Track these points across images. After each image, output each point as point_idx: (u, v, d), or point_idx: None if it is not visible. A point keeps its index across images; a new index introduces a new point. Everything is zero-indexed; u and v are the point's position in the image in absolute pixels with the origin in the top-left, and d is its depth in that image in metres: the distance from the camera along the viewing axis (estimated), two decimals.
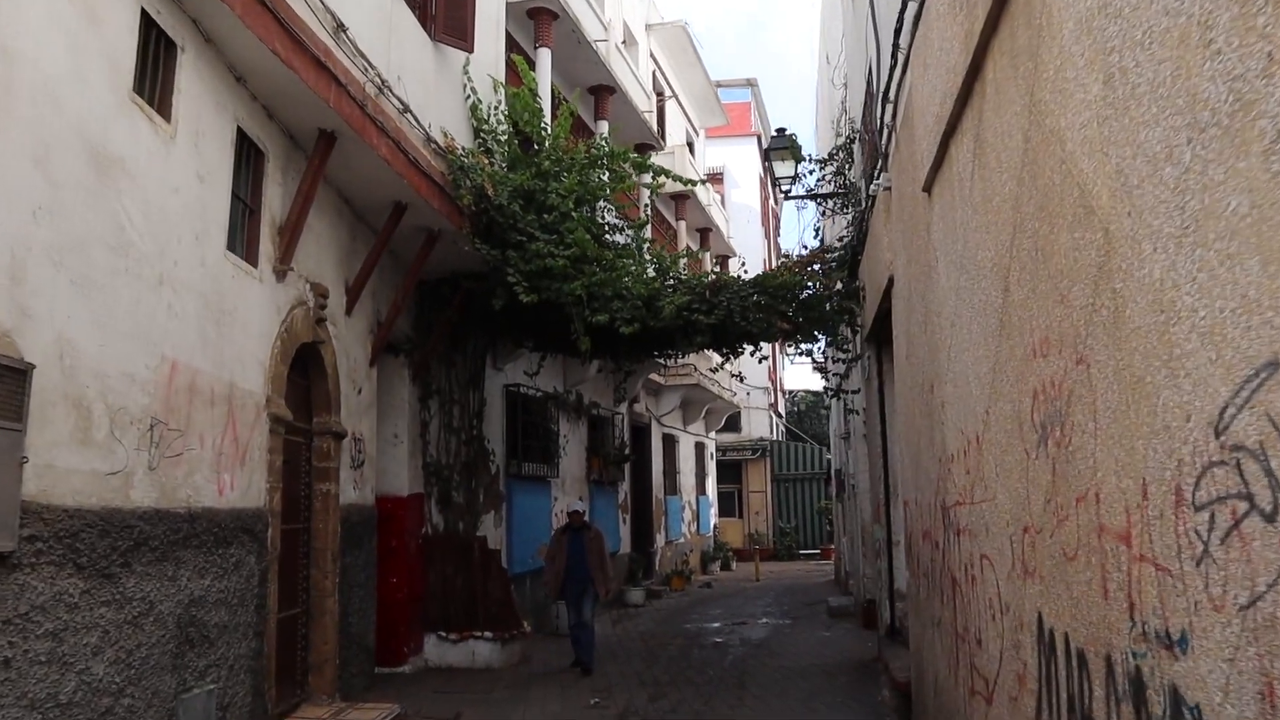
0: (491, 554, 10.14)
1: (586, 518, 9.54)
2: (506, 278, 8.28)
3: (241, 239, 5.46)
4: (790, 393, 38.86)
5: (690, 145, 22.22)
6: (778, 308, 9.01)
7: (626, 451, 15.82)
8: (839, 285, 9.65)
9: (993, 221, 3.44)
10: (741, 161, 29.62)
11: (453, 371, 10.34)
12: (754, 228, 29.37)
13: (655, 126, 17.72)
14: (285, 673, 5.96)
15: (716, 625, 12.89)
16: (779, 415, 31.64)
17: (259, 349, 5.53)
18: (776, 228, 32.87)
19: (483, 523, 10.81)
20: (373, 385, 8.00)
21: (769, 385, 28.92)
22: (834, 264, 9.67)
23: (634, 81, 16.39)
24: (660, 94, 20.75)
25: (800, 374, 43.13)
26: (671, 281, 9.08)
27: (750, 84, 31.21)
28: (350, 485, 7.29)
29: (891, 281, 6.97)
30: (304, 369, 6.65)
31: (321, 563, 6.56)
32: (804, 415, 38.59)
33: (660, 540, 18.42)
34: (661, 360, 11.18)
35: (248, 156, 5.56)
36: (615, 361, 10.72)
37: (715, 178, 26.90)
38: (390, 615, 8.86)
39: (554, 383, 13.28)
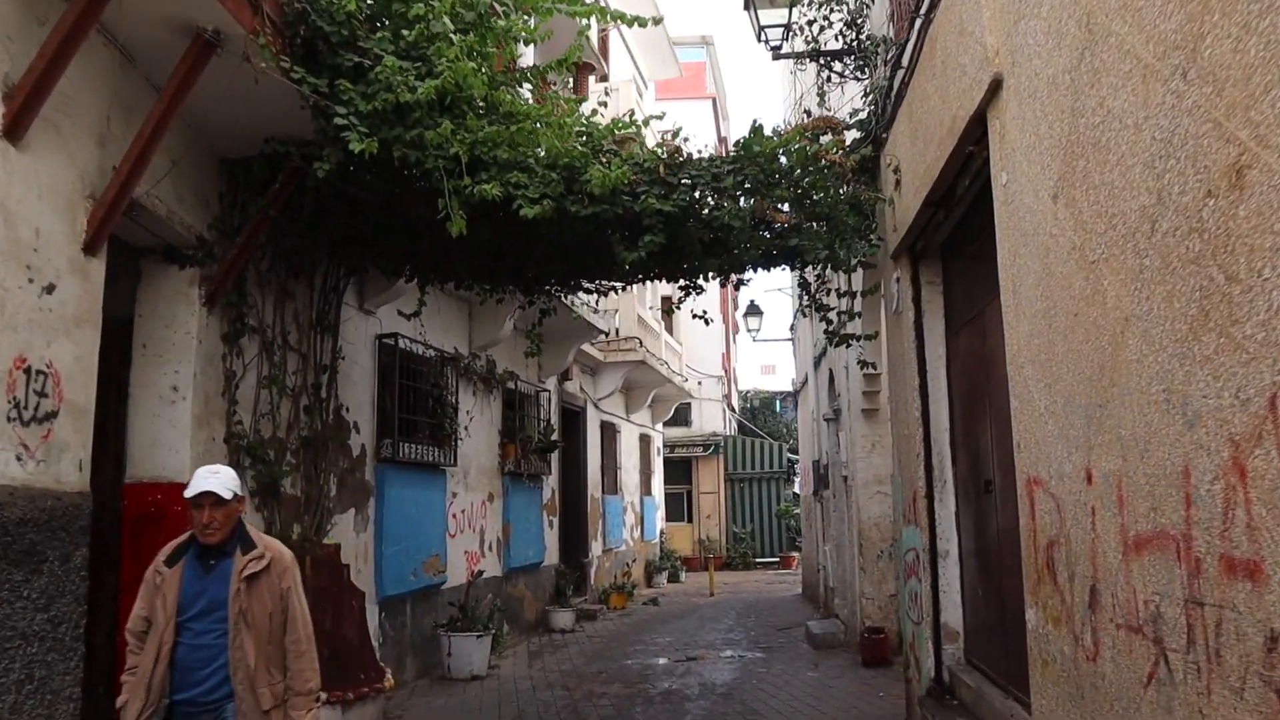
0: (338, 570, 6.86)
1: (242, 516, 3.75)
2: (334, 119, 5.03)
3: None
4: (743, 392, 35.95)
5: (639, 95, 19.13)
6: (770, 192, 5.89)
7: (554, 438, 12.59)
8: (847, 186, 6.58)
9: None
10: (695, 125, 26.59)
11: (289, 305, 7.05)
12: None
13: (596, 45, 14.59)
14: None
15: (666, 661, 9.73)
16: (732, 409, 28.66)
17: None
18: None
19: (335, 525, 7.52)
20: (92, 287, 4.69)
21: (722, 374, 25.94)
22: (848, 149, 6.60)
23: None
24: (604, 27, 17.62)
25: (750, 372, 40.39)
26: (606, 159, 5.89)
27: (705, 42, 28.25)
28: (7, 453, 3.99)
29: (997, 88, 3.89)
30: None
31: None
32: (757, 413, 35.70)
33: (597, 549, 15.21)
34: (594, 292, 7.94)
35: None
36: (520, 285, 7.44)
37: None
38: None
39: (455, 341, 10.03)
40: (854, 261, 6.50)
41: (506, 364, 11.36)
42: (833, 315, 7.22)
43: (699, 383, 23.75)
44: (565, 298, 8.90)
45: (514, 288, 7.54)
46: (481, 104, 5.49)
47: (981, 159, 4.44)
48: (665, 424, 21.99)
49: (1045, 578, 3.46)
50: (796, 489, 25.50)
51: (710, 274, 7.04)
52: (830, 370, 11.33)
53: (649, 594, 16.93)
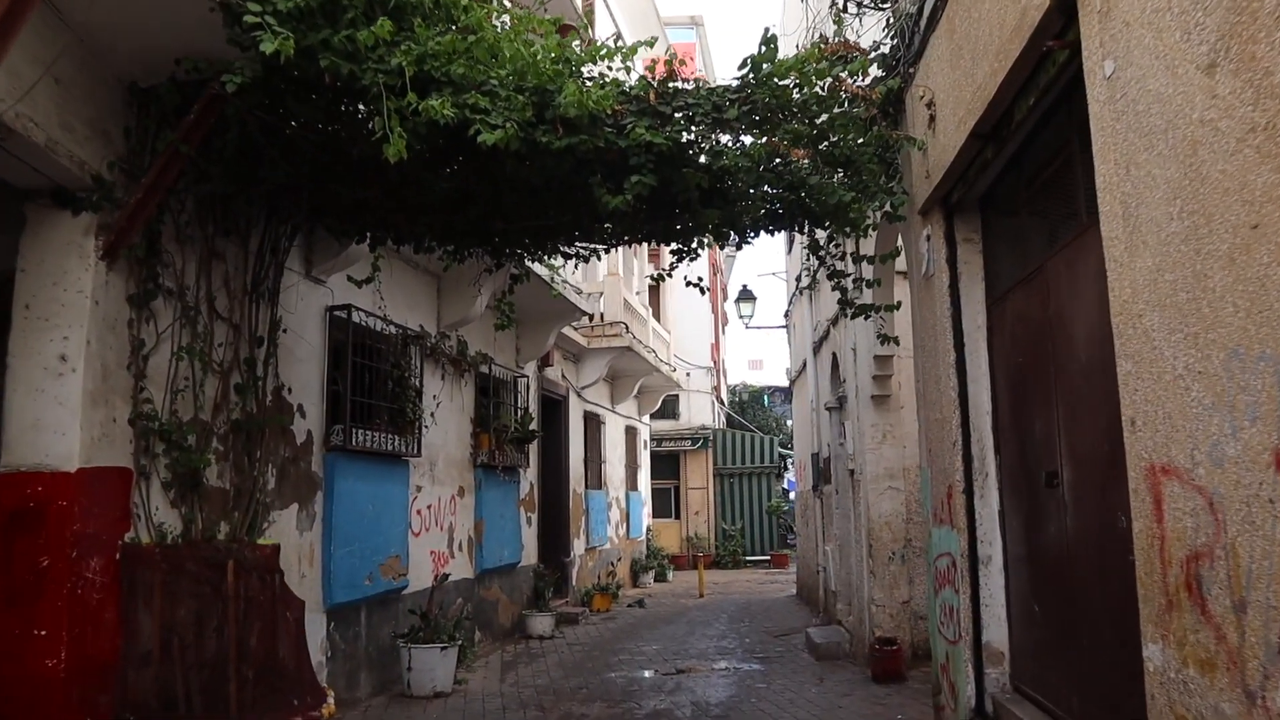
0: (270, 576, 5.85)
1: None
2: (246, 19, 4.03)
3: None
4: (731, 387, 35.03)
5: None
6: (783, 124, 4.91)
7: (533, 428, 11.60)
8: (873, 126, 5.62)
9: None
10: None
11: (217, 267, 6.04)
12: None
13: (580, 6, 13.57)
14: None
15: (653, 674, 8.78)
16: (721, 402, 27.73)
17: None
18: None
19: (273, 523, 6.53)
20: None
21: (712, 365, 25.01)
22: (870, 83, 5.64)
23: None
24: None
25: (738, 367, 39.52)
26: (590, 85, 4.91)
27: (695, 23, 27.24)
28: None
29: None
30: None
31: None
32: (746, 407, 34.80)
33: (579, 547, 14.24)
34: (573, 256, 6.88)
35: None
36: (487, 245, 6.40)
37: None
38: (27, 704, 4.55)
39: (420, 318, 9.03)
40: (880, 214, 5.54)
41: (480, 346, 10.38)
42: (848, 283, 6.26)
43: (687, 374, 22.82)
44: (543, 260, 7.88)
45: (481, 249, 6.54)
46: (434, 8, 4.50)
47: (1059, 61, 3.48)
48: (652, 416, 21.06)
49: (1183, 603, 2.51)
50: (786, 484, 24.60)
51: (706, 234, 6.07)
52: (834, 354, 10.40)
53: (635, 594, 15.98)
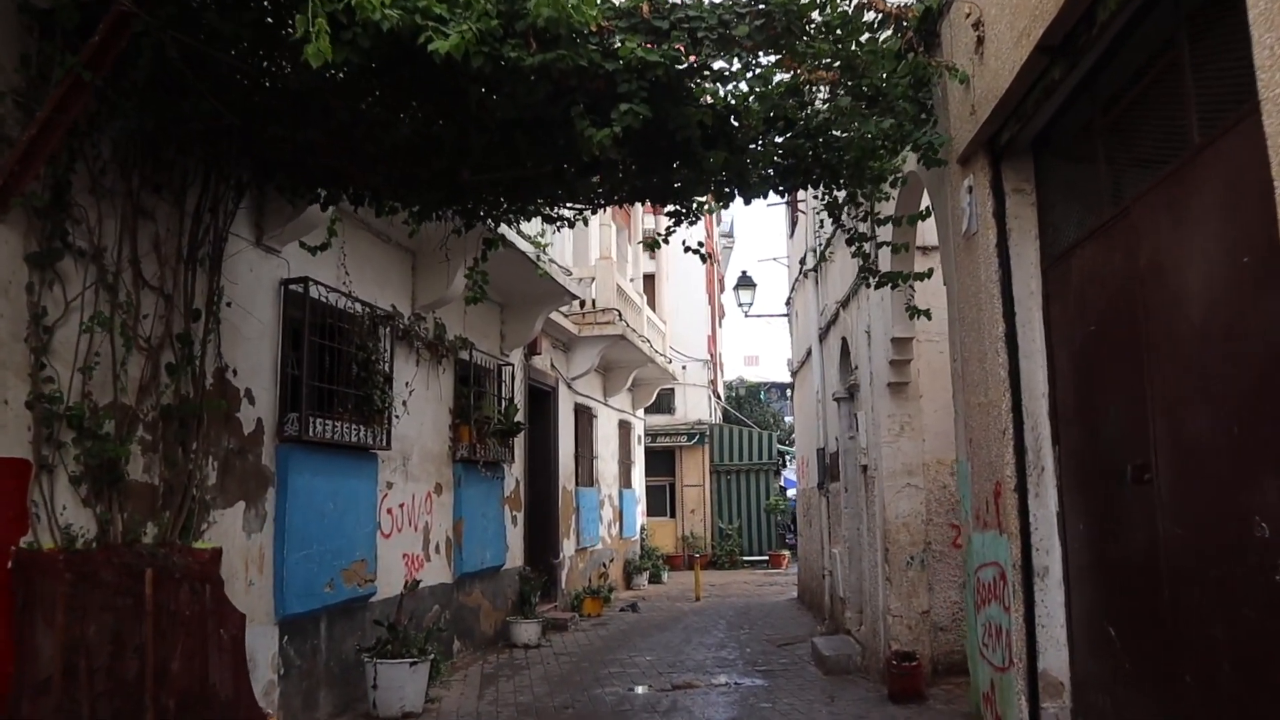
0: (202, 586, 5.03)
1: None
2: None
3: None
4: (727, 382, 34.23)
5: None
6: (807, 44, 4.10)
7: (518, 420, 10.78)
8: (909, 54, 4.81)
9: None
10: None
11: (145, 227, 5.20)
12: None
13: None
14: None
15: (647, 690, 7.97)
16: (718, 396, 26.94)
17: None
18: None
19: (214, 524, 5.69)
20: None
21: (708, 358, 24.22)
22: (903, 9, 4.83)
23: None
24: None
25: (733, 363, 38.70)
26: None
27: None
28: None
29: None
30: None
31: None
32: (743, 402, 34.00)
33: (569, 548, 13.41)
34: (555, 219, 6.03)
35: None
36: (455, 202, 5.54)
37: None
38: None
39: (392, 297, 8.21)
40: (908, 164, 4.73)
41: (460, 330, 9.55)
42: (870, 247, 5.45)
43: (683, 366, 22.00)
44: (519, 223, 7.06)
45: (449, 209, 5.70)
46: None
47: None
48: (647, 410, 20.25)
49: None
50: (784, 482, 23.81)
51: (709, 190, 5.26)
52: (844, 339, 9.59)
53: (628, 598, 15.19)
